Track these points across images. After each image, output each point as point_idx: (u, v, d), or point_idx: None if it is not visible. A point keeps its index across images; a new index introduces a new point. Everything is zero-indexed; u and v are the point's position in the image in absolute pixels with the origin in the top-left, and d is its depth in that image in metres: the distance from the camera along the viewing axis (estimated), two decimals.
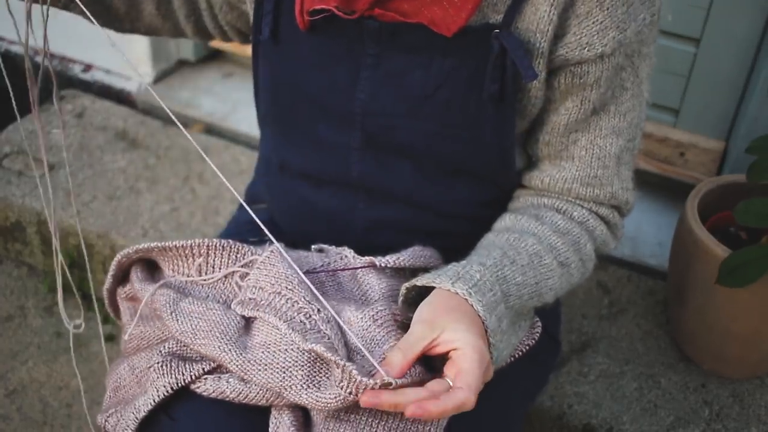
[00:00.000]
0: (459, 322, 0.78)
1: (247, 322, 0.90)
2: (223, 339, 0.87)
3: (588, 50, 0.88)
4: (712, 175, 1.68)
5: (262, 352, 0.85)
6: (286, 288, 0.89)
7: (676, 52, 1.62)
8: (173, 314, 0.90)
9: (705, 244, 1.32)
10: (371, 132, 0.95)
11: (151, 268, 1.02)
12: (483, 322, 0.80)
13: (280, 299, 0.89)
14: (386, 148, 0.96)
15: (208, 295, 0.96)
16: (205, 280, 0.96)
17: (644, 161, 1.72)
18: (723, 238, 1.33)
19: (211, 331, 0.88)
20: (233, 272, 0.95)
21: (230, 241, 0.97)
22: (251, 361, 0.85)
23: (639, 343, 1.52)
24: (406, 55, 0.91)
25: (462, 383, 0.74)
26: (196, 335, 0.88)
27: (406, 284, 0.86)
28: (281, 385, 0.83)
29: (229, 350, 0.86)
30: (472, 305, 0.80)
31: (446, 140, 0.94)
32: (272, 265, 0.92)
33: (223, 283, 0.96)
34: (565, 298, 1.58)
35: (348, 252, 0.97)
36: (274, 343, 0.85)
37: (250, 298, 0.91)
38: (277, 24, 0.95)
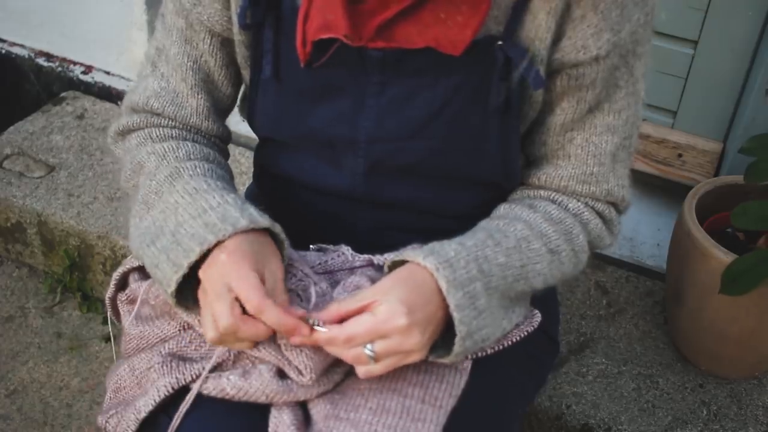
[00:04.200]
0: (402, 291, 0.82)
1: None
2: None
3: (583, 53, 0.88)
4: (709, 177, 1.69)
5: None
6: (287, 263, 0.91)
7: (673, 54, 1.63)
8: None
9: (703, 245, 1.33)
10: (375, 157, 0.96)
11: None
12: (444, 298, 0.82)
13: None
14: (390, 169, 0.97)
15: None
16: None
17: (642, 163, 1.72)
18: (720, 239, 1.34)
19: None
20: None
21: None
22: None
23: (637, 343, 1.53)
24: (411, 78, 0.91)
25: (348, 327, 0.81)
26: None
27: (387, 262, 0.89)
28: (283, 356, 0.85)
29: None
30: (437, 280, 0.82)
31: (450, 155, 0.95)
32: None
33: None
34: (563, 299, 1.60)
35: (346, 249, 0.98)
36: None
37: None
38: (277, 61, 0.95)
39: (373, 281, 0.91)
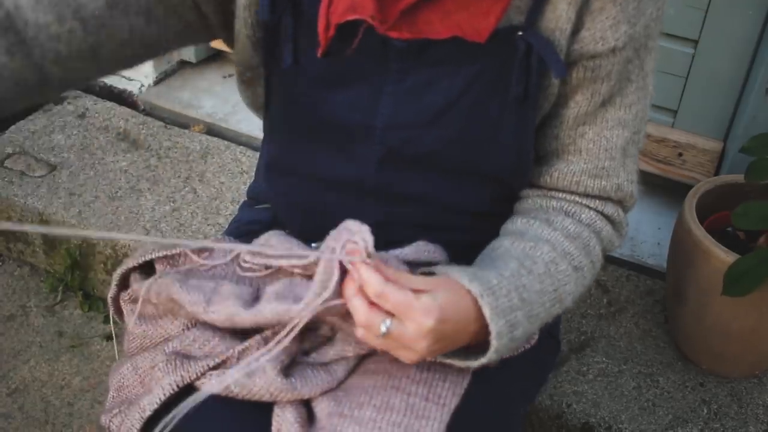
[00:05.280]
0: (448, 298, 0.81)
1: (257, 296, 0.92)
2: (237, 301, 0.88)
3: (602, 44, 0.89)
4: (710, 176, 1.69)
5: (275, 300, 0.87)
6: (297, 246, 0.92)
7: (674, 53, 1.63)
8: (183, 287, 0.91)
9: (703, 244, 1.33)
10: (391, 145, 0.95)
11: (150, 271, 1.03)
12: (487, 325, 0.82)
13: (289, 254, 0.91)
14: (404, 157, 0.97)
15: (214, 275, 0.96)
16: (206, 266, 0.97)
17: (643, 162, 1.72)
18: (721, 239, 1.34)
19: (224, 297, 0.89)
20: (237, 255, 0.96)
21: (229, 237, 0.99)
22: (263, 310, 0.86)
23: (638, 342, 1.53)
24: (433, 67, 0.91)
25: (389, 286, 0.80)
26: (210, 302, 0.89)
27: (423, 270, 0.88)
28: (294, 309, 0.84)
29: (243, 306, 0.87)
30: (480, 307, 0.82)
31: (466, 145, 0.95)
32: (280, 233, 0.96)
33: (226, 267, 0.97)
34: None
35: None
36: (284, 291, 0.87)
37: (260, 251, 0.93)
38: (296, 49, 0.94)
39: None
